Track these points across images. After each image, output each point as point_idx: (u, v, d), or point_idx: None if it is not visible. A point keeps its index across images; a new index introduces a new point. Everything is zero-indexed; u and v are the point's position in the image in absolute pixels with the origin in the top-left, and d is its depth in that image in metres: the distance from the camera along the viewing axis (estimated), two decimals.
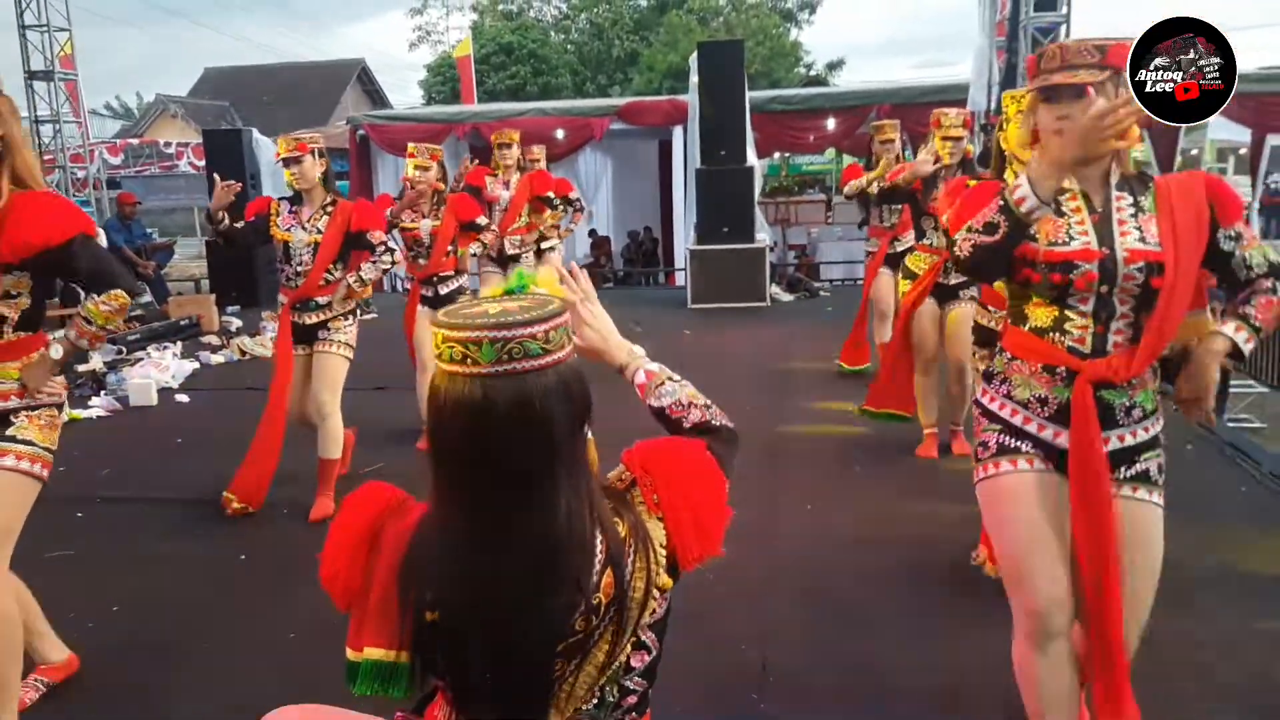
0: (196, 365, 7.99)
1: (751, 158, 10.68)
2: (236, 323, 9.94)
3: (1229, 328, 2.04)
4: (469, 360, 1.23)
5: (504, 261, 6.33)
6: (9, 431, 2.54)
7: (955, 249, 2.08)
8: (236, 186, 4.19)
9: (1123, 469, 2.09)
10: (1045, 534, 2.08)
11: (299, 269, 4.32)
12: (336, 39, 76.85)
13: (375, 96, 33.62)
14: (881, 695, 2.79)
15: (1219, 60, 1.96)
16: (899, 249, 6.01)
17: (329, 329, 4.35)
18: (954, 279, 4.56)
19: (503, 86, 27.99)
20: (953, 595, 3.34)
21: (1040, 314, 2.11)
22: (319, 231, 4.28)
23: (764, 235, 10.74)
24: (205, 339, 9.04)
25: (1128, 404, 2.07)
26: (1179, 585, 3.27)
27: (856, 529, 4.03)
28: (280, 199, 4.45)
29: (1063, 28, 9.58)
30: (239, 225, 4.33)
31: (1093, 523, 2.03)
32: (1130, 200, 2.08)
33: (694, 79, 10.70)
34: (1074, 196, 2.10)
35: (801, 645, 3.10)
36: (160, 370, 7.41)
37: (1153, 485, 2.12)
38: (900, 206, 5.81)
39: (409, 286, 5.38)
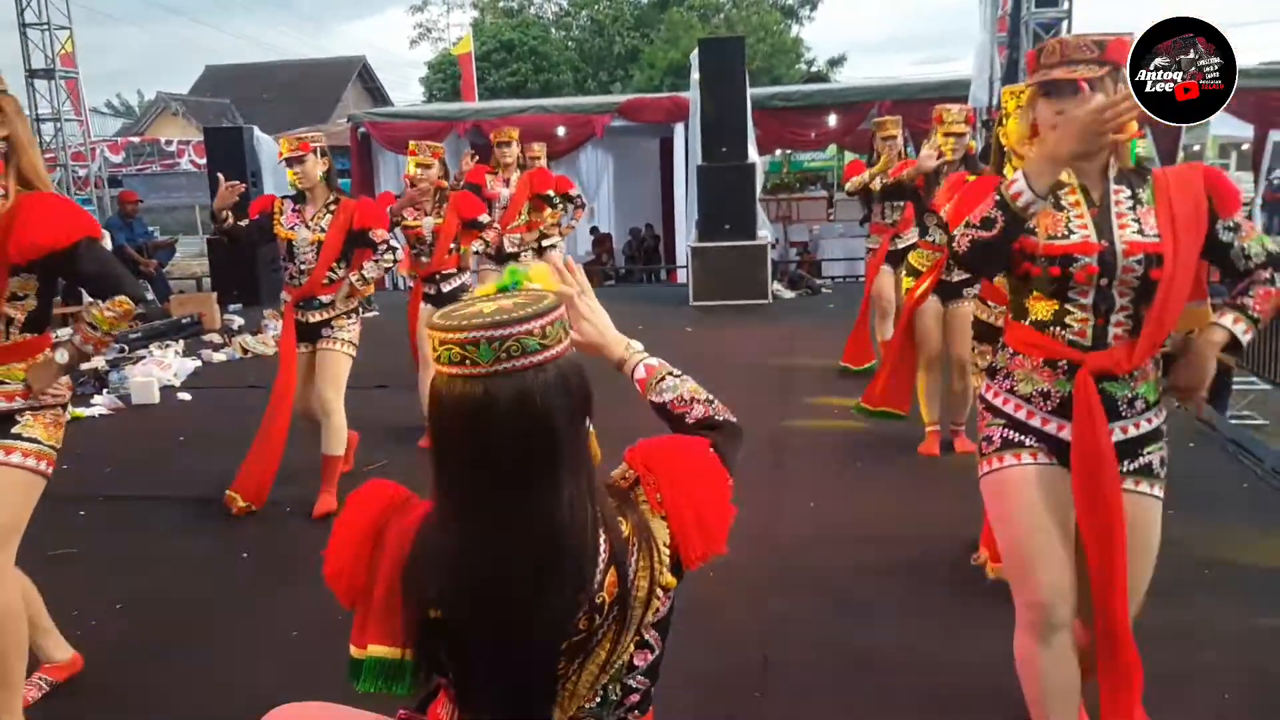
0: (198, 363, 7.99)
1: (753, 154, 10.67)
2: (238, 321, 9.94)
3: (1227, 319, 2.06)
4: (467, 361, 1.23)
5: (503, 259, 6.32)
6: (14, 429, 2.55)
7: (954, 244, 2.09)
8: (240, 187, 4.22)
9: (1126, 462, 2.10)
10: (1048, 527, 2.09)
11: (303, 267, 4.34)
12: (337, 36, 76.94)
13: (376, 94, 33.60)
14: (883, 693, 2.79)
15: (1219, 60, 1.97)
16: (900, 246, 6.00)
17: (332, 327, 4.37)
18: (957, 276, 4.56)
19: (504, 84, 27.97)
20: (955, 594, 3.34)
21: (1040, 308, 2.12)
22: (322, 230, 4.30)
23: (765, 232, 10.74)
24: (207, 337, 9.04)
25: (1130, 395, 2.09)
26: (1180, 583, 3.28)
27: (859, 526, 4.03)
28: (284, 197, 4.47)
29: (1064, 23, 9.56)
30: (243, 224, 4.35)
31: (1098, 514, 2.04)
32: (1128, 193, 2.10)
33: (695, 76, 10.69)
34: (1073, 190, 2.11)
35: (803, 643, 3.10)
36: (162, 368, 7.41)
37: (1154, 478, 2.13)
38: (903, 204, 5.80)
39: (411, 285, 5.38)
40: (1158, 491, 2.14)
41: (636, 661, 1.40)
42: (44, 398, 2.61)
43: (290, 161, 4.28)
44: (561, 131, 12.72)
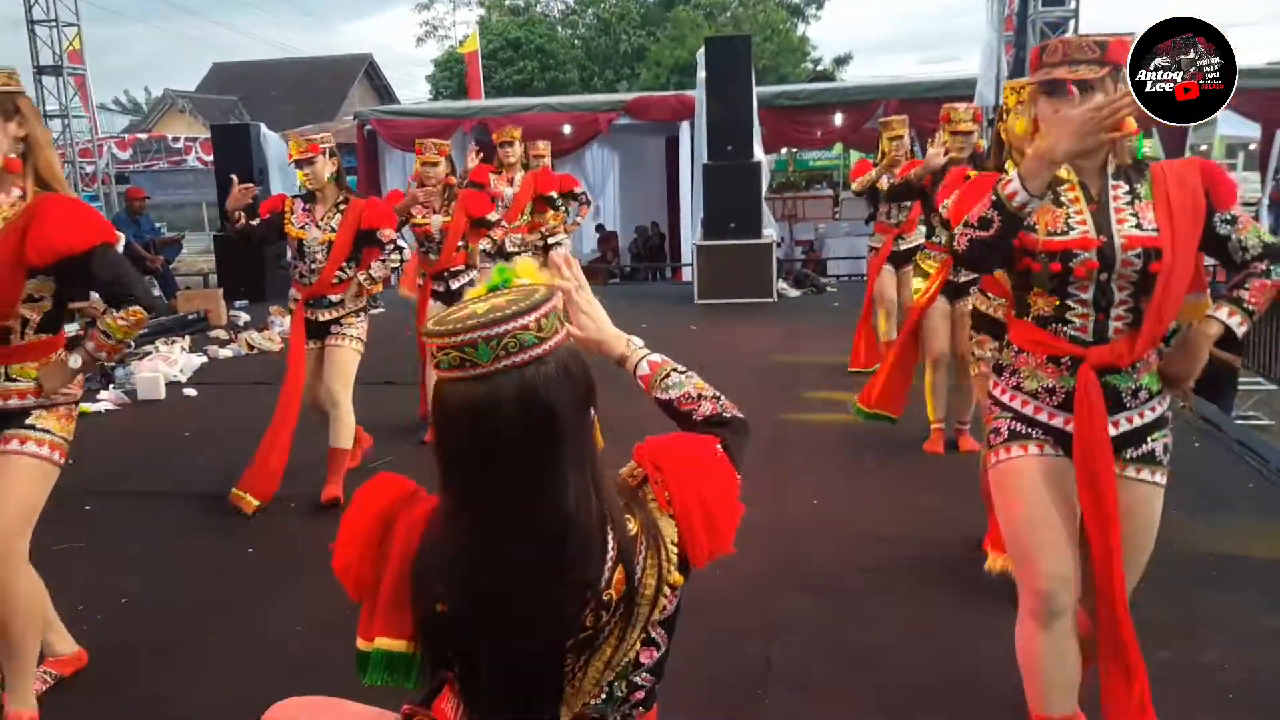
0: (204, 359, 8.01)
1: (758, 153, 10.66)
2: (244, 317, 9.96)
3: (1222, 312, 2.10)
4: (467, 363, 1.23)
5: (504, 259, 6.33)
6: (28, 420, 2.60)
7: (954, 243, 2.12)
8: (254, 189, 4.28)
9: (1130, 449, 2.14)
10: (1052, 515, 2.13)
11: (313, 266, 4.38)
12: (344, 34, 76.91)
13: (383, 92, 33.63)
14: (886, 691, 2.79)
15: (1219, 60, 1.98)
16: (903, 247, 6.00)
17: (341, 324, 4.43)
18: (964, 276, 4.55)
19: (510, 82, 27.97)
20: (959, 592, 3.34)
21: (1041, 304, 2.16)
22: (332, 230, 4.35)
23: (771, 231, 10.72)
24: (213, 333, 9.06)
25: (1134, 387, 2.13)
26: (1185, 581, 3.28)
27: (863, 524, 4.03)
28: (294, 196, 4.52)
29: (1071, 22, 9.54)
30: (255, 223, 4.40)
31: (1100, 505, 2.08)
32: (1127, 188, 2.13)
33: (701, 74, 10.68)
34: (1072, 187, 2.14)
35: (806, 641, 3.11)
36: (168, 364, 7.44)
37: (1157, 465, 2.17)
38: (909, 205, 5.79)
39: (420, 283, 5.41)
40: (1160, 478, 2.18)
41: (642, 659, 1.41)
42: (55, 398, 2.65)
43: (300, 163, 4.33)
44: (567, 130, 12.72)
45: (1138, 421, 2.14)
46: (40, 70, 12.57)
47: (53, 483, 2.63)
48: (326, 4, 73.19)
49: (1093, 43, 2.04)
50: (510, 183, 6.57)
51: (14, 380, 2.59)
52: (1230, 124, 12.62)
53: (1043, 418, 2.17)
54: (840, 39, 70.93)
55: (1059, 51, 2.07)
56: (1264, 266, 2.09)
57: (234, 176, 4.45)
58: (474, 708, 1.38)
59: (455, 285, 5.29)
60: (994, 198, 2.01)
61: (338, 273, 4.38)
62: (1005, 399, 2.24)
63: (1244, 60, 2.03)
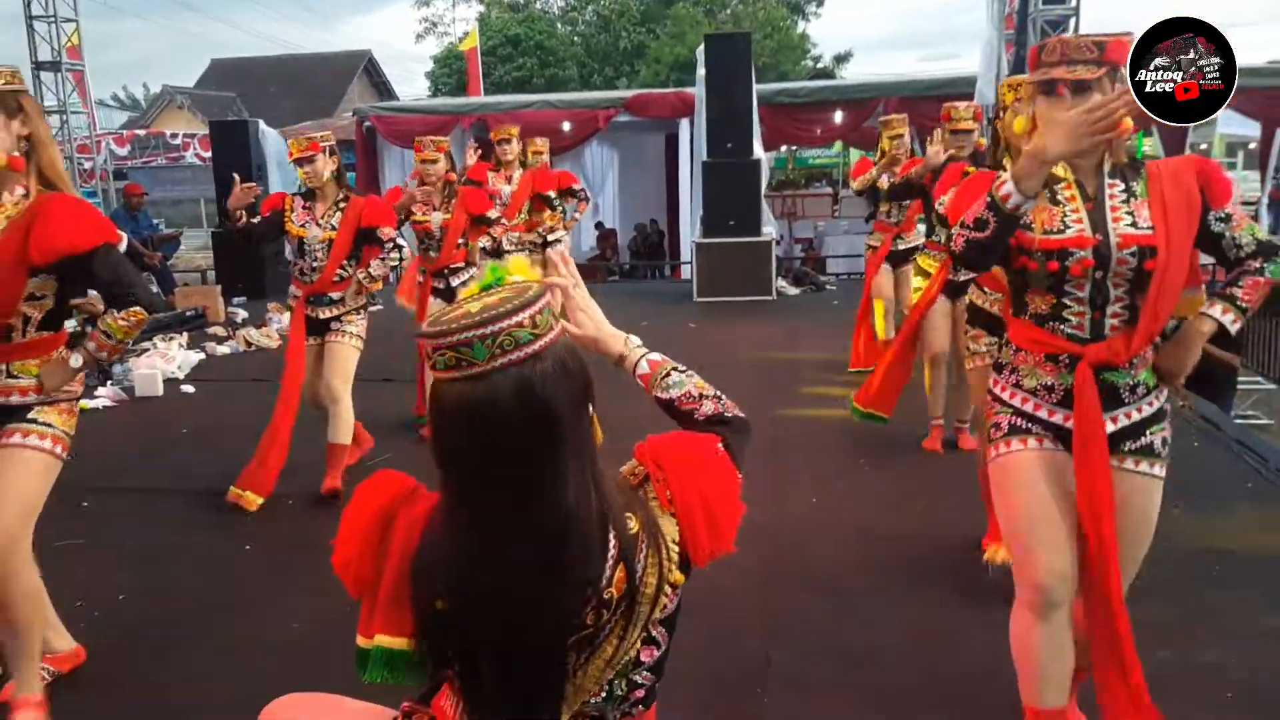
0: (202, 356, 8.00)
1: (758, 151, 10.65)
2: (242, 314, 9.95)
3: (1215, 310, 2.14)
4: (464, 363, 1.22)
5: (500, 257, 6.32)
6: (29, 415, 2.62)
7: (951, 243, 2.16)
8: (256, 189, 4.30)
9: (1127, 443, 2.17)
10: (1051, 508, 2.15)
11: (314, 265, 4.40)
12: (343, 30, 76.81)
13: (382, 88, 33.59)
14: (885, 690, 2.79)
15: (1219, 60, 1.99)
16: (901, 246, 5.99)
17: (341, 321, 4.46)
18: (964, 275, 4.54)
19: (509, 78, 27.95)
20: (958, 591, 3.34)
21: (1038, 302, 2.19)
22: (333, 228, 4.37)
23: (770, 229, 10.71)
24: (211, 330, 9.05)
25: (1131, 383, 2.16)
26: (1184, 581, 3.28)
27: (862, 522, 4.03)
28: (294, 194, 4.54)
29: (1072, 20, 9.53)
30: (255, 221, 4.41)
31: (1095, 501, 2.10)
32: (1122, 187, 2.16)
33: (701, 71, 10.67)
34: (1069, 185, 2.17)
35: (806, 639, 3.10)
36: (166, 361, 7.42)
37: (1155, 458, 2.20)
38: (907, 204, 5.79)
39: (420, 281, 5.42)
40: (1158, 471, 2.20)
41: (643, 657, 1.40)
42: (56, 396, 2.66)
43: (300, 161, 4.35)
44: (567, 127, 12.71)
45: (1136, 417, 2.17)
46: (39, 66, 12.55)
47: (55, 476, 2.65)
48: (325, 0, 73.20)
49: (1091, 43, 2.07)
50: (508, 180, 6.56)
51: (15, 377, 2.61)
52: (1230, 123, 12.62)
53: (1042, 414, 2.20)
54: (840, 36, 70.93)
55: (1057, 51, 2.10)
56: (1258, 264, 2.12)
57: (236, 175, 4.47)
58: (474, 706, 1.38)
59: (455, 282, 5.28)
60: (989, 199, 2.04)
61: (338, 271, 4.40)
62: (1005, 396, 2.27)
63: (1244, 59, 2.04)
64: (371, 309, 4.72)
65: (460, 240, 5.30)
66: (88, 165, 13.43)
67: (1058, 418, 2.18)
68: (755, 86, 10.71)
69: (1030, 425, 2.21)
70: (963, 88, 10.46)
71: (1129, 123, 2.06)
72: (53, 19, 12.44)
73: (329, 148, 4.41)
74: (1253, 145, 13.83)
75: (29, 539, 2.61)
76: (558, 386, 1.25)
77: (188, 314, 9.37)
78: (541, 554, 1.27)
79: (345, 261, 4.41)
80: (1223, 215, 2.12)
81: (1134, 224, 2.10)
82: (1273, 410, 8.35)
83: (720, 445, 1.45)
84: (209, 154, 14.24)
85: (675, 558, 1.37)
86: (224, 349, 8.37)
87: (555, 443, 1.26)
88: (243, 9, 62.79)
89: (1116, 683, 2.16)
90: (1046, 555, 2.12)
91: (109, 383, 6.93)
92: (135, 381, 6.86)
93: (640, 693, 1.43)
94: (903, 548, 3.74)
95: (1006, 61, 9.86)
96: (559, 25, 32.11)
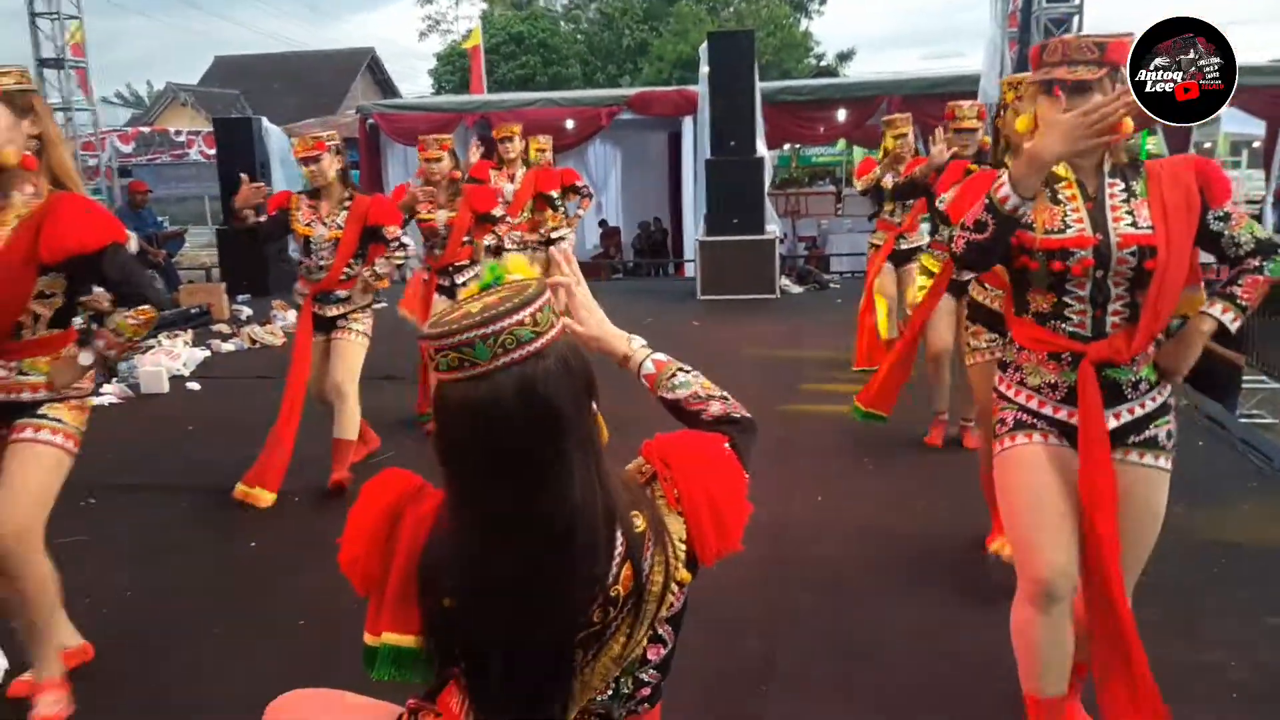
0: (207, 353, 8.02)
1: (761, 149, 10.64)
2: (247, 311, 9.97)
3: (1216, 309, 2.16)
4: (466, 363, 1.22)
5: (500, 256, 6.32)
6: (40, 410, 2.65)
7: (952, 245, 2.19)
8: (264, 189, 4.35)
9: (1131, 436, 2.19)
10: (1054, 500, 2.17)
11: (321, 263, 4.44)
12: (346, 28, 76.79)
13: (385, 86, 33.60)
14: (888, 687, 2.79)
15: (1219, 60, 2.00)
16: (904, 246, 5.99)
17: (348, 319, 4.49)
18: (967, 275, 4.54)
19: (512, 76, 27.95)
20: (959, 589, 3.34)
21: (1040, 300, 2.21)
22: (338, 227, 4.40)
23: (773, 227, 10.71)
24: (216, 327, 9.06)
25: (1133, 380, 2.18)
26: (1188, 580, 3.28)
27: (867, 521, 4.03)
28: (299, 193, 4.56)
29: (1075, 18, 9.50)
30: (261, 220, 4.43)
31: (1096, 497, 2.12)
32: (1122, 186, 2.18)
33: (704, 69, 10.66)
34: (1069, 185, 2.19)
35: (809, 636, 3.11)
36: (171, 358, 7.44)
37: (1160, 450, 2.21)
38: (911, 203, 5.78)
39: (425, 278, 5.43)
40: (1163, 463, 2.21)
41: (649, 655, 1.41)
42: (66, 393, 2.70)
43: (305, 160, 4.37)
44: (570, 125, 12.71)
45: (1139, 412, 2.19)
46: (42, 63, 12.54)
47: (66, 470, 2.69)
48: None
49: (1092, 43, 2.09)
50: (511, 179, 6.56)
51: (25, 374, 2.64)
52: (1235, 121, 12.58)
53: (1047, 411, 2.23)
54: (843, 34, 70.75)
55: (1059, 51, 2.12)
56: (1256, 262, 2.15)
57: (244, 175, 4.51)
58: (480, 703, 1.38)
59: (460, 280, 5.30)
60: (987, 201, 2.07)
61: (344, 269, 4.43)
62: (1010, 394, 2.29)
63: (1249, 58, 2.04)
64: (375, 306, 4.73)
65: (465, 238, 5.32)
66: (92, 163, 13.42)
67: (1062, 414, 2.20)
68: (758, 84, 10.69)
69: (1035, 421, 2.23)
70: (966, 86, 10.44)
71: (1129, 124, 2.08)
72: (56, 16, 12.43)
73: (335, 147, 4.44)
74: (1257, 144, 13.79)
75: (41, 531, 2.65)
76: (560, 384, 1.26)
77: (192, 311, 9.39)
78: (547, 551, 1.27)
79: (351, 260, 4.45)
80: (1221, 214, 2.14)
81: (1134, 223, 2.12)
82: (1277, 409, 8.33)
83: (727, 445, 1.46)
84: (213, 151, 14.27)
85: (682, 556, 1.37)
86: (229, 346, 8.39)
87: (559, 440, 1.26)
88: (246, 6, 62.85)
89: (1118, 682, 2.16)
90: (1049, 548, 2.13)
91: (114, 380, 6.94)
92: (140, 379, 6.88)
93: (646, 691, 1.43)
94: (905, 547, 3.74)
95: (1010, 59, 9.85)
96: (562, 23, 32.11)
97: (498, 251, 6.15)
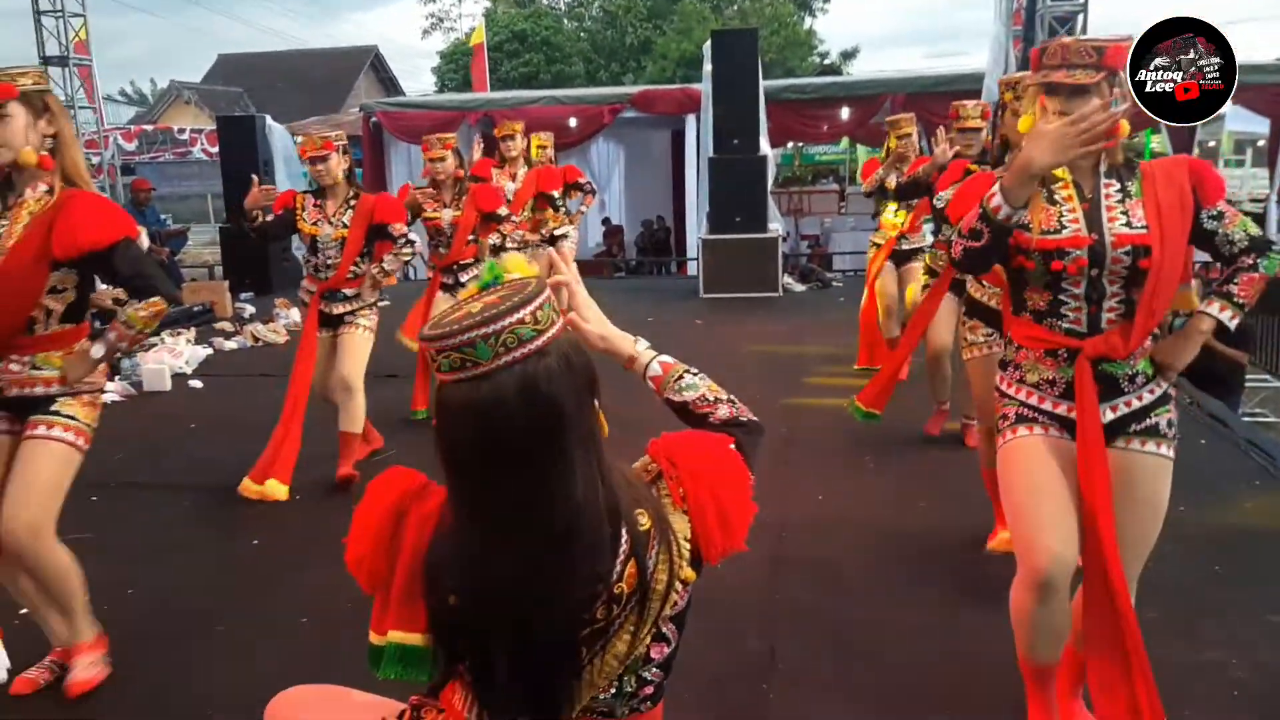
0: (210, 351, 8.03)
1: (765, 147, 10.63)
2: (250, 309, 9.98)
3: (1214, 308, 2.21)
4: (468, 363, 1.22)
5: (500, 255, 6.33)
6: (53, 406, 2.70)
7: (950, 249, 2.24)
8: (274, 190, 4.40)
9: (1132, 425, 2.23)
10: (1055, 489, 2.19)
11: (327, 262, 4.47)
12: (349, 26, 76.88)
13: (388, 83, 33.62)
14: (890, 685, 2.79)
15: (1219, 60, 2.01)
16: (905, 247, 5.98)
17: (355, 315, 4.53)
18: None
19: (515, 74, 27.95)
20: (963, 588, 3.34)
21: (1036, 298, 2.25)
22: (344, 226, 4.44)
23: (777, 225, 10.70)
24: (218, 325, 9.08)
25: (1130, 373, 2.22)
26: (1189, 579, 3.28)
27: (868, 520, 4.03)
28: (304, 192, 4.60)
29: (1080, 16, 9.49)
30: (269, 220, 4.47)
31: (1093, 491, 2.15)
32: (1118, 187, 2.21)
33: (707, 67, 10.65)
34: (1066, 185, 2.24)
35: (811, 635, 3.11)
36: (174, 356, 7.45)
37: (1161, 438, 2.24)
38: (914, 202, 5.78)
39: (429, 276, 5.46)
40: (1165, 451, 2.24)
41: (653, 654, 1.41)
42: (79, 387, 2.73)
43: (314, 160, 4.41)
44: (573, 123, 12.71)
45: (1137, 405, 2.23)
46: (46, 61, 12.55)
47: (77, 467, 2.73)
48: None
49: (1090, 47, 2.12)
50: (513, 178, 6.56)
51: (39, 369, 2.69)
52: (1239, 120, 12.56)
53: (1047, 406, 2.26)
54: (847, 32, 70.64)
55: (1058, 55, 2.15)
56: (1251, 260, 2.18)
57: (255, 176, 4.57)
58: (485, 700, 1.38)
59: (464, 279, 5.32)
60: (981, 210, 2.12)
61: (351, 267, 4.46)
62: (1011, 391, 2.33)
63: (1254, 56, 2.05)
64: (381, 304, 4.75)
65: (470, 237, 5.33)
66: (95, 160, 13.43)
67: (1062, 409, 2.24)
68: (762, 82, 10.69)
69: (1036, 415, 2.27)
70: (970, 84, 10.43)
71: (1125, 126, 2.12)
72: (60, 14, 12.45)
73: (342, 146, 4.48)
74: (1261, 142, 13.76)
75: (53, 526, 2.69)
76: (562, 381, 1.25)
77: (195, 309, 9.40)
78: (549, 550, 1.27)
79: (358, 258, 4.48)
80: (1215, 213, 2.18)
81: (1128, 223, 2.16)
82: None
83: (733, 445, 1.46)
84: (216, 149, 14.27)
85: (686, 554, 1.38)
86: (231, 344, 8.40)
87: (561, 438, 1.26)
88: (249, 3, 62.85)
89: (1118, 683, 2.16)
90: (1048, 537, 2.15)
91: (117, 378, 6.95)
92: (143, 376, 6.89)
93: (649, 689, 1.43)
94: (906, 545, 3.74)
95: (1015, 57, 9.83)
96: (565, 21, 32.10)
97: (499, 250, 6.16)
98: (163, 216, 12.53)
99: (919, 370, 5.39)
